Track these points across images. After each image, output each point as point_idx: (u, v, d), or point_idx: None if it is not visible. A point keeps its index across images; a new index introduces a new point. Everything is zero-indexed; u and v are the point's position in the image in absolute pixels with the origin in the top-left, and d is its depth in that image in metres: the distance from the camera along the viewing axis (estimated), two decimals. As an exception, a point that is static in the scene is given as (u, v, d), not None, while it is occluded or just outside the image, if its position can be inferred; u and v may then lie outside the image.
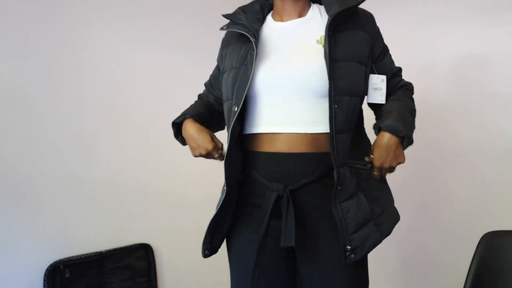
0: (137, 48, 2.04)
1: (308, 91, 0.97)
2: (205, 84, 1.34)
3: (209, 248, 1.14)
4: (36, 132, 1.65)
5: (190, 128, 1.12)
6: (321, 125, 0.97)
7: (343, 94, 0.95)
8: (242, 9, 1.12)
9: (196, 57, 2.34)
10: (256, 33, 1.01)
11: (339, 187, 0.93)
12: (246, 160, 1.05)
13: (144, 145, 2.06)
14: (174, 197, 2.18)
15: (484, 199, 2.07)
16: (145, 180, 2.05)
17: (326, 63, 0.93)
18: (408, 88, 1.19)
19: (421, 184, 2.28)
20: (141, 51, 2.06)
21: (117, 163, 1.93)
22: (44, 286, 1.60)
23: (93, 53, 1.86)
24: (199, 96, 1.35)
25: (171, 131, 2.23)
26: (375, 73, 1.07)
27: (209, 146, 1.09)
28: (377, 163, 0.99)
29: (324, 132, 0.96)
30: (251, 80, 0.97)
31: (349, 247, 0.94)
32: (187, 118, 1.14)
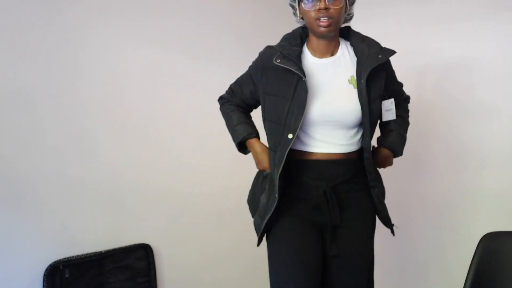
0: (137, 48, 2.04)
1: (345, 125, 1.27)
2: (232, 88, 1.51)
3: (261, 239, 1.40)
4: (36, 132, 1.65)
5: (258, 147, 1.40)
6: (352, 147, 1.29)
7: (371, 125, 1.27)
8: (288, 41, 1.31)
9: (196, 57, 2.34)
10: (304, 72, 1.22)
11: (371, 183, 1.31)
12: (293, 167, 1.28)
13: (144, 145, 2.06)
14: (174, 198, 2.18)
15: (484, 200, 2.07)
16: (145, 180, 2.05)
17: (362, 104, 1.24)
18: (407, 102, 1.53)
19: (420, 185, 2.29)
20: (141, 51, 2.06)
21: (117, 163, 1.93)
22: (43, 286, 1.60)
23: (93, 53, 1.86)
24: (224, 100, 1.55)
25: (171, 132, 2.24)
26: (386, 98, 1.33)
27: (267, 166, 1.35)
28: (376, 166, 1.39)
29: (354, 150, 1.31)
30: (305, 114, 1.21)
31: (393, 223, 1.38)
32: (253, 137, 1.42)
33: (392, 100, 1.33)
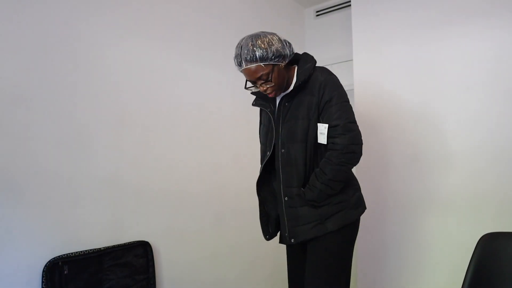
0: (136, 47, 2.04)
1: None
2: None
3: (268, 234, 1.70)
4: (35, 129, 1.65)
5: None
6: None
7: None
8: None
9: (195, 56, 2.34)
10: (272, 107, 1.62)
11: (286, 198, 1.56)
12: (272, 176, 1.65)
13: (143, 143, 2.06)
14: (173, 195, 2.19)
15: (483, 201, 2.07)
16: (144, 178, 2.05)
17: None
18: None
19: (420, 186, 2.29)
20: (140, 50, 2.06)
21: (116, 161, 1.93)
22: (42, 282, 1.60)
23: (91, 51, 1.86)
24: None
25: (170, 130, 2.24)
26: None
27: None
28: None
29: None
30: (275, 137, 1.58)
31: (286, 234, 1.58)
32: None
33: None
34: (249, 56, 1.42)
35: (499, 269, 1.34)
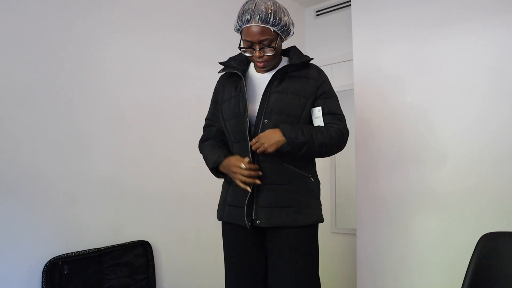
0: (135, 47, 2.04)
1: None
2: (206, 124, 1.67)
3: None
4: (35, 128, 1.65)
5: (225, 162, 1.46)
6: None
7: None
8: (233, 58, 1.58)
9: (194, 55, 2.34)
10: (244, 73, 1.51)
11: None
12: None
13: (143, 143, 2.06)
14: (173, 195, 2.18)
15: (483, 200, 2.07)
16: (144, 178, 2.05)
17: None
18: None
19: (420, 185, 2.29)
20: (140, 50, 2.06)
21: (116, 160, 1.93)
22: (42, 282, 1.60)
23: (90, 50, 1.86)
24: (205, 137, 1.64)
25: (169, 130, 2.24)
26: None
27: (239, 159, 1.41)
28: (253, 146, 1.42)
29: None
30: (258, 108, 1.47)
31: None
32: (221, 161, 1.48)
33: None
34: (263, 16, 1.36)
35: (499, 269, 1.34)
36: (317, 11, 3.40)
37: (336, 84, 3.29)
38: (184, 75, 2.28)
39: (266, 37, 1.39)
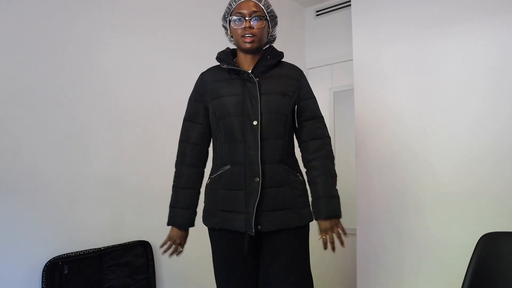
0: (136, 46, 2.04)
1: None
2: (184, 129, 1.59)
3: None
4: (35, 128, 1.65)
5: (174, 232, 1.69)
6: None
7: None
8: (224, 55, 1.53)
9: (194, 55, 2.34)
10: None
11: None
12: None
13: (143, 142, 2.06)
14: (173, 195, 2.18)
15: (483, 200, 2.07)
16: (144, 177, 2.05)
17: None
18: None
19: (420, 185, 2.29)
20: (140, 49, 2.06)
21: (116, 160, 1.93)
22: (42, 282, 1.60)
23: (90, 50, 1.86)
24: (183, 147, 1.60)
25: (170, 129, 2.24)
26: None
27: (177, 243, 1.65)
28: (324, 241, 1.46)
29: None
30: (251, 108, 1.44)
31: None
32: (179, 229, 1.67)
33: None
34: None
35: (499, 269, 1.34)
36: (317, 11, 3.40)
37: (336, 84, 3.30)
38: (184, 75, 2.28)
39: (258, 11, 1.44)
